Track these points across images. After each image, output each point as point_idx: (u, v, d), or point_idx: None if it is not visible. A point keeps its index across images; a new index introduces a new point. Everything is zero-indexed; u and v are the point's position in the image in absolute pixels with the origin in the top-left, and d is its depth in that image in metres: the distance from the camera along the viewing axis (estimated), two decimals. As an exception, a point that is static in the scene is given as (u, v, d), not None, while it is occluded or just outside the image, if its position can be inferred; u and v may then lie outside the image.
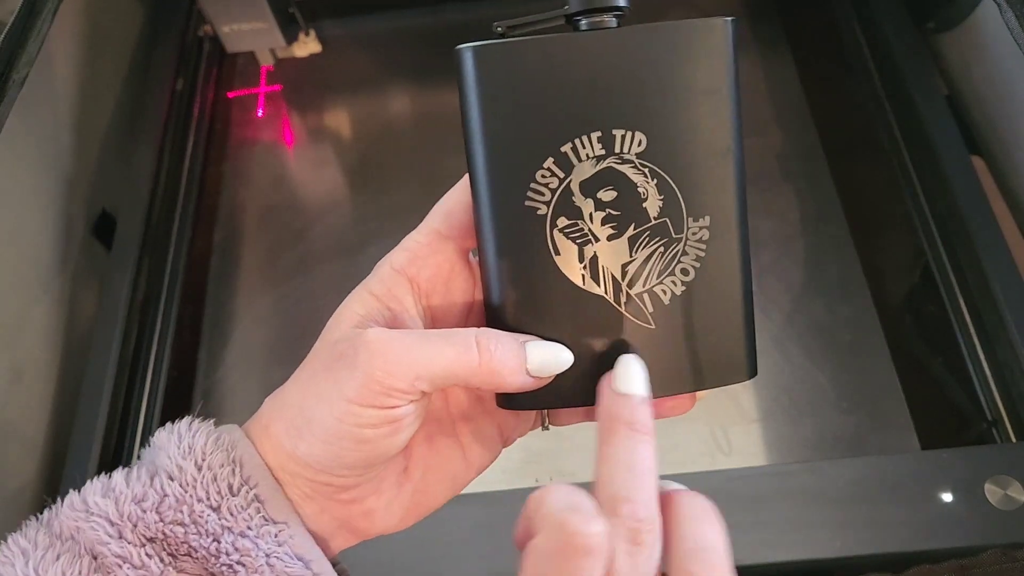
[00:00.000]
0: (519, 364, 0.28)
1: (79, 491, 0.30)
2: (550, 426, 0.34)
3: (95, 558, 0.29)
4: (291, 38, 1.00)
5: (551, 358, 0.29)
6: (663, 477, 0.59)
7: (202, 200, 0.90)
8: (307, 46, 1.02)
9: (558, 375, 0.30)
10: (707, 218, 0.29)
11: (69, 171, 0.79)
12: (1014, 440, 0.63)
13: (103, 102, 0.89)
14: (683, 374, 0.30)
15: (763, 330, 0.77)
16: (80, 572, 0.28)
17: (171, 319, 0.78)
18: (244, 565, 0.29)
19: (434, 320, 0.32)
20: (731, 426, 0.72)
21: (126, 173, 0.85)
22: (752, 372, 0.31)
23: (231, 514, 0.29)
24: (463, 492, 0.59)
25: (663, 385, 0.30)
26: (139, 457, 0.31)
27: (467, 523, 0.56)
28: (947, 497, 0.55)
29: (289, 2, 0.99)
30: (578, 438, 0.73)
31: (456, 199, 0.31)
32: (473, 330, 0.29)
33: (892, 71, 0.82)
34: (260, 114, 0.99)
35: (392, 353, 0.27)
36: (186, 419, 0.31)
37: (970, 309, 0.69)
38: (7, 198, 0.69)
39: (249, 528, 0.29)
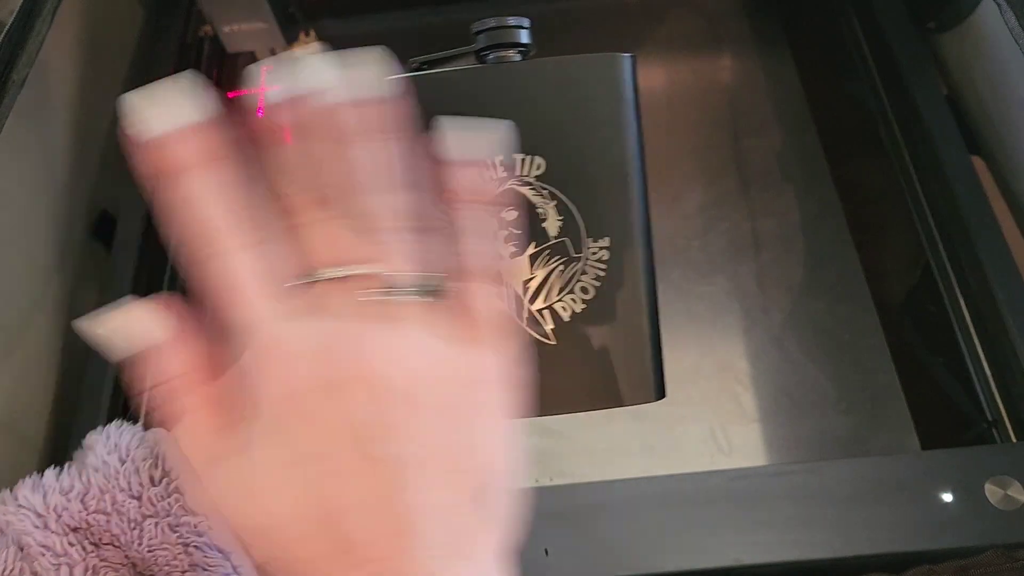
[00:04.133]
0: None
1: (11, 489, 0.31)
2: None
3: (21, 548, 0.30)
4: (291, 38, 1.00)
5: None
6: (662, 478, 0.59)
7: (202, 200, 0.90)
8: (307, 46, 1.02)
9: None
10: (607, 239, 0.31)
11: (69, 171, 0.79)
12: (1014, 440, 0.63)
13: (103, 102, 0.89)
14: (586, 392, 0.31)
15: (763, 330, 0.77)
16: (5, 561, 0.29)
17: (171, 319, 0.78)
18: (164, 552, 0.30)
19: None
20: (731, 426, 0.72)
21: (126, 174, 0.85)
22: (659, 394, 0.32)
23: (151, 503, 0.30)
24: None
25: (565, 402, 0.31)
26: (72, 459, 0.32)
27: (467, 523, 0.56)
28: (947, 497, 0.55)
29: (289, 2, 0.99)
30: (580, 439, 0.73)
31: None
32: None
33: (892, 71, 0.82)
34: (260, 114, 0.99)
35: None
36: (116, 421, 0.32)
37: (970, 309, 0.69)
38: (7, 199, 0.69)
39: (168, 518, 0.30)
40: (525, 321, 0.31)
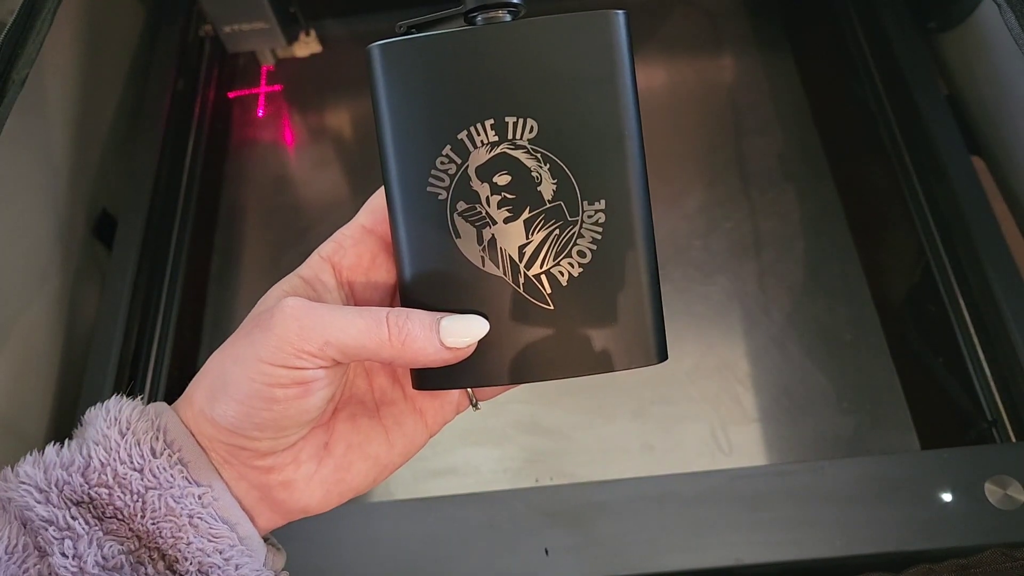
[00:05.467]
0: (431, 336, 0.29)
1: (12, 467, 0.31)
2: (479, 404, 0.35)
3: (24, 524, 0.30)
4: (292, 38, 1.00)
5: (465, 326, 0.30)
6: (662, 477, 0.59)
7: (202, 200, 0.90)
8: (307, 46, 1.02)
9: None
10: (602, 202, 0.30)
11: (69, 171, 0.79)
12: (1014, 440, 0.63)
13: (103, 102, 0.89)
14: (586, 356, 0.31)
15: (763, 330, 0.77)
16: (9, 537, 0.29)
17: (171, 319, 0.78)
18: (168, 524, 0.30)
19: (356, 304, 0.33)
20: (731, 426, 0.72)
21: (127, 173, 0.85)
22: (661, 356, 0.31)
23: (153, 475, 0.30)
24: (463, 492, 0.59)
25: (566, 366, 0.31)
26: (72, 437, 0.32)
27: (467, 523, 0.56)
28: (947, 497, 0.55)
29: (290, 2, 0.99)
30: (579, 439, 0.73)
31: (382, 197, 0.33)
32: (386, 308, 0.30)
33: (893, 71, 0.82)
34: (261, 114, 0.99)
35: (306, 318, 0.29)
36: (114, 397, 0.32)
37: (970, 309, 0.69)
38: (8, 198, 0.69)
39: (172, 489, 0.30)
40: (522, 287, 0.31)
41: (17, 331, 0.68)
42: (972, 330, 0.68)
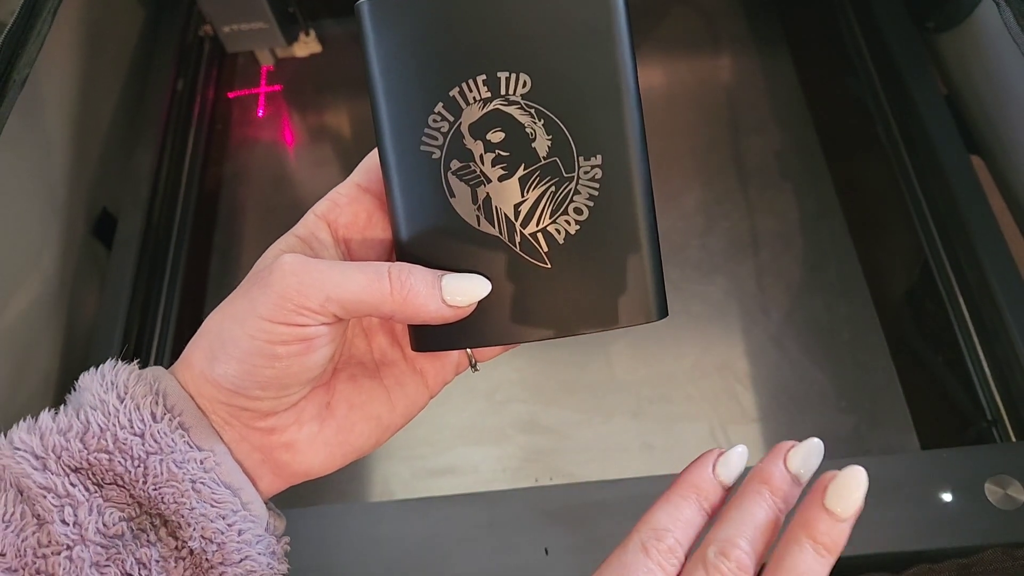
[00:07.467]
0: (433, 293, 0.29)
1: (5, 433, 0.30)
2: (478, 365, 0.35)
3: (20, 492, 0.29)
4: (291, 38, 1.00)
5: (466, 285, 0.30)
6: (661, 477, 0.59)
7: (202, 200, 0.90)
8: (307, 46, 1.02)
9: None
10: (599, 157, 0.30)
11: (69, 171, 0.79)
12: (1014, 439, 0.63)
13: (103, 102, 0.89)
14: (585, 314, 0.30)
15: (762, 329, 0.77)
16: (5, 505, 0.28)
17: (171, 319, 0.78)
18: (170, 490, 0.29)
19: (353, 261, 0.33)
20: (731, 425, 0.72)
21: (126, 173, 0.85)
22: (660, 313, 0.31)
23: (155, 440, 0.29)
24: (463, 492, 0.59)
25: (565, 325, 0.30)
26: (66, 403, 0.31)
27: (467, 523, 0.56)
28: (947, 497, 0.55)
29: (289, 2, 0.99)
30: (578, 438, 0.73)
31: (376, 156, 0.32)
32: (387, 263, 0.29)
33: (891, 70, 0.82)
34: (260, 114, 0.99)
35: (305, 274, 0.28)
36: (109, 361, 0.31)
37: (970, 308, 0.69)
38: (7, 198, 0.69)
39: (173, 454, 0.29)
40: (518, 246, 0.30)
41: (16, 331, 0.68)
42: (971, 329, 0.68)
